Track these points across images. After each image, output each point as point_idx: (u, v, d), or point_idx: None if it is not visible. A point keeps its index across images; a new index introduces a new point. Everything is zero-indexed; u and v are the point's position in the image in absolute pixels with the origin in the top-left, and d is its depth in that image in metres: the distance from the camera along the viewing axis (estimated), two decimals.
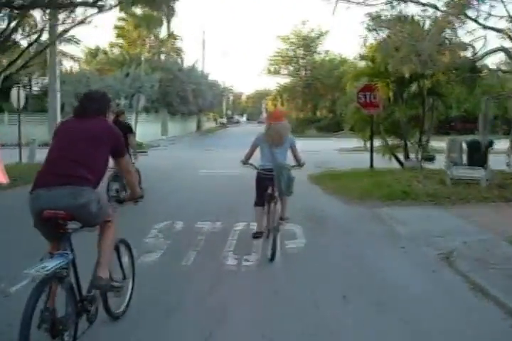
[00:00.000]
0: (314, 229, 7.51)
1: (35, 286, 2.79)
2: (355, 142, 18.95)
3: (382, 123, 15.28)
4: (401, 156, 15.30)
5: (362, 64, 16.76)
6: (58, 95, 16.01)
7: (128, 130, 8.60)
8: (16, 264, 3.53)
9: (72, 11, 14.34)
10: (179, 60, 41.55)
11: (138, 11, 38.94)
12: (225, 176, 13.82)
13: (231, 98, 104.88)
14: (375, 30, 12.77)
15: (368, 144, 15.27)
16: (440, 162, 13.38)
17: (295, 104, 56.98)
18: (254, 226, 6.86)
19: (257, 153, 6.47)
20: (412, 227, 7.65)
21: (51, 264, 2.90)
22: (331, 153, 23.94)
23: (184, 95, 35.28)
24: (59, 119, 15.49)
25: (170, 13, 40.86)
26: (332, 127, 44.72)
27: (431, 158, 14.73)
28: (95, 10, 14.18)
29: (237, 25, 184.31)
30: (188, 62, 42.92)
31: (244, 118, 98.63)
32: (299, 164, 6.43)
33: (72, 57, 34.55)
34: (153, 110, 32.99)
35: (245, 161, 6.41)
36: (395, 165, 15.19)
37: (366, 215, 8.87)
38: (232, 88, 56.24)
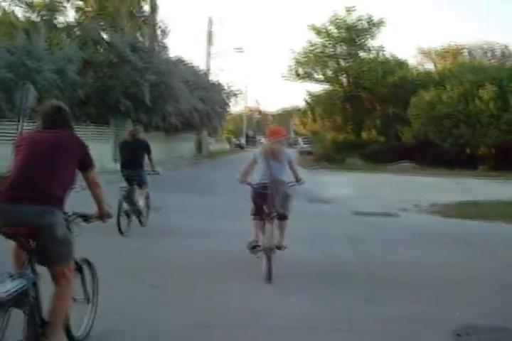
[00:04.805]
0: None
1: None
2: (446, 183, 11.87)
3: None
4: None
5: None
6: None
7: (146, 149, 8.10)
8: None
9: None
10: (140, 37, 22.63)
11: None
12: None
13: (256, 116, 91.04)
14: None
15: None
16: None
17: (332, 123, 41.50)
18: None
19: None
20: None
21: (10, 286, 2.72)
22: (424, 223, 8.60)
23: (136, 93, 18.88)
24: None
25: None
26: (383, 155, 30.04)
27: None
28: None
29: (254, 14, 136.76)
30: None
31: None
32: (298, 181, 6.13)
33: None
34: (84, 118, 17.63)
35: (242, 179, 5.96)
36: None
37: None
38: (239, 92, 38.35)
